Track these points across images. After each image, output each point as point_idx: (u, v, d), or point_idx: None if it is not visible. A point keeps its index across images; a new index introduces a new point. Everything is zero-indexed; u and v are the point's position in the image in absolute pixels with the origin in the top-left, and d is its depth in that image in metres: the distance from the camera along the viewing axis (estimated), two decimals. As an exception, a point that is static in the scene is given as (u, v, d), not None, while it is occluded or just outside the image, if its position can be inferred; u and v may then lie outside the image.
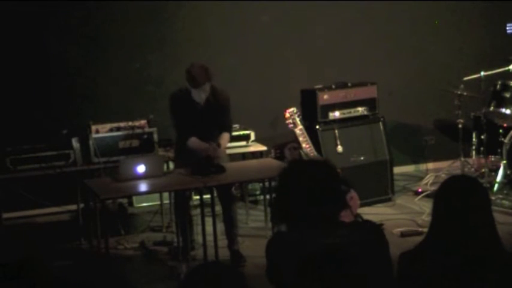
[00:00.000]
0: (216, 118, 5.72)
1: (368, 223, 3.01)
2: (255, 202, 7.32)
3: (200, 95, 5.58)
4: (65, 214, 7.00)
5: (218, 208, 5.76)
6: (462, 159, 7.28)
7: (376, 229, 2.92)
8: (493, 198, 6.67)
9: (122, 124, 6.36)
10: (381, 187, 7.04)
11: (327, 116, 6.99)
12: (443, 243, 2.69)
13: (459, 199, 2.71)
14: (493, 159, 7.36)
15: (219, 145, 5.68)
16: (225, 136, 5.81)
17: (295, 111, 6.42)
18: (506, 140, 6.94)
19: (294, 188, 2.81)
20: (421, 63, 8.27)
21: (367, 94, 7.18)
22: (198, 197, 5.55)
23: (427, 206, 6.50)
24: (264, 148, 6.96)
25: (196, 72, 5.50)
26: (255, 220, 6.78)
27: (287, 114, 6.41)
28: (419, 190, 7.25)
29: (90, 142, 6.19)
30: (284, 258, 2.78)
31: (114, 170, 5.77)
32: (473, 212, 2.69)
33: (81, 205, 6.46)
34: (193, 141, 5.70)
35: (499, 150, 7.12)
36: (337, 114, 7.03)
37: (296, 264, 2.50)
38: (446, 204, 2.74)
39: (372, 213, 6.64)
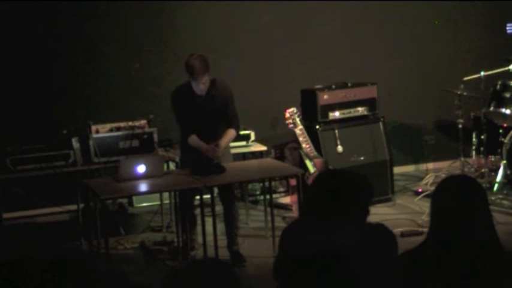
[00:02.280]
0: (219, 111, 5.67)
1: (381, 226, 3.03)
2: (255, 202, 7.32)
3: (200, 87, 5.55)
4: (65, 214, 7.00)
5: (218, 208, 5.76)
6: (462, 159, 7.28)
7: (389, 234, 2.96)
8: (493, 198, 6.67)
9: (122, 124, 6.35)
10: (381, 187, 7.04)
11: (327, 116, 6.98)
12: (442, 243, 2.69)
13: (457, 198, 2.71)
14: (493, 159, 7.36)
15: (218, 146, 5.65)
16: (230, 133, 5.74)
17: (295, 111, 6.43)
18: (506, 140, 6.94)
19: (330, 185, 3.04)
20: (421, 63, 8.26)
21: (367, 94, 7.18)
22: (198, 197, 5.55)
23: (427, 206, 6.48)
24: (264, 148, 6.96)
25: (195, 63, 5.47)
26: (255, 220, 6.78)
27: (287, 114, 6.42)
28: (419, 190, 7.24)
29: (90, 142, 6.18)
30: (292, 247, 2.90)
31: (114, 170, 5.77)
32: (471, 211, 2.69)
33: (81, 205, 6.46)
34: (193, 140, 5.68)
35: (499, 150, 7.12)
36: (337, 114, 7.03)
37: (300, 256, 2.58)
38: (445, 204, 2.74)
39: (372, 213, 6.58)
